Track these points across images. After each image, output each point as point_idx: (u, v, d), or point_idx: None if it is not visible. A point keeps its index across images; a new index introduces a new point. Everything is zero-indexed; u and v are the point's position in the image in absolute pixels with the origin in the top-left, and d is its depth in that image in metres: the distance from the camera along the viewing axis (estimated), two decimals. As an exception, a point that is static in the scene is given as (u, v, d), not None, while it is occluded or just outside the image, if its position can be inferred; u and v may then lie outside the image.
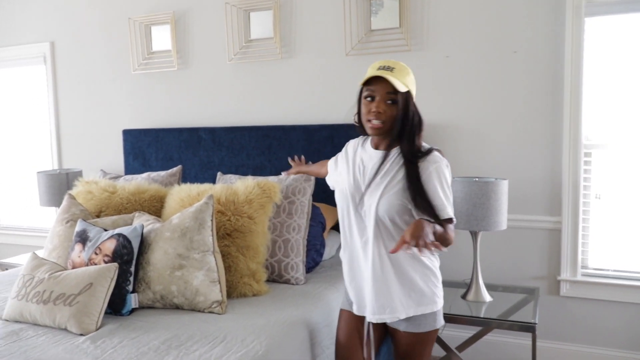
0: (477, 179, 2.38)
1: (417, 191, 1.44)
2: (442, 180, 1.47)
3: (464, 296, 2.44)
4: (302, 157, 2.38)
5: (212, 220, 2.06)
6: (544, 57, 2.49)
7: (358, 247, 1.60)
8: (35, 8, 3.63)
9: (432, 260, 1.60)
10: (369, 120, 1.51)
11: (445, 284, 2.60)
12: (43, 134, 3.79)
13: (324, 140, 2.82)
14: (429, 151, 1.50)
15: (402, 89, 1.49)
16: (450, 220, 1.47)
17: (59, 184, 3.24)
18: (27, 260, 2.07)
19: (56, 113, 3.68)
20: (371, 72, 1.51)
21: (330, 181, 1.77)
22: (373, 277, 1.56)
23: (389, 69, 1.49)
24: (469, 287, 2.45)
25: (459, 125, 2.70)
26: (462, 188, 2.28)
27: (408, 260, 1.55)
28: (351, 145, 1.69)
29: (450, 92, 2.69)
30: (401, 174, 1.49)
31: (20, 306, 1.92)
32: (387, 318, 1.59)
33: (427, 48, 2.69)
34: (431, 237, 1.31)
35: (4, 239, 4.06)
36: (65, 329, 1.85)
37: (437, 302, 1.60)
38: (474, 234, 2.39)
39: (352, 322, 1.69)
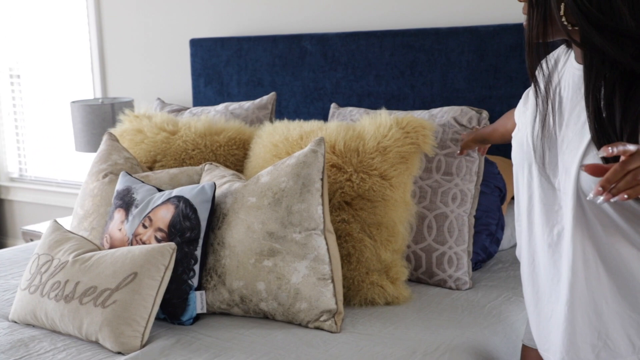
0: None
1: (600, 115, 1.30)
2: None
3: None
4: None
5: (322, 179, 2.00)
6: None
7: (542, 245, 1.50)
8: None
9: None
10: None
11: None
12: (81, 48, 3.93)
13: (507, 53, 2.66)
14: None
15: None
16: None
17: (102, 120, 3.33)
18: (45, 233, 2.10)
19: (98, 19, 3.78)
20: None
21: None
22: (570, 298, 1.43)
23: None
24: None
25: None
26: None
27: None
28: (546, 61, 1.52)
29: None
30: None
31: (33, 302, 1.93)
32: None
33: None
34: None
35: (30, 196, 4.30)
36: (97, 342, 1.84)
37: None
38: None
39: None
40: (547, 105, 1.45)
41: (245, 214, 1.98)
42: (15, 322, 1.98)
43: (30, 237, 3.37)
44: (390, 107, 2.67)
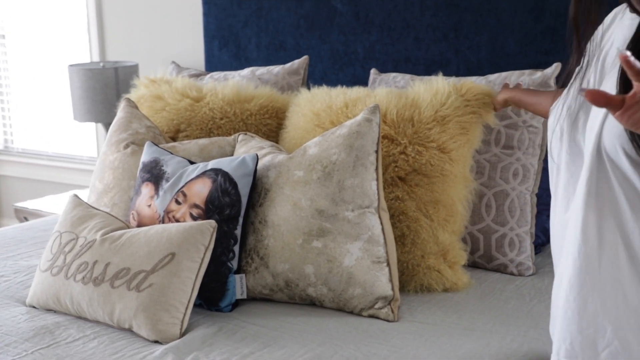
0: None
1: None
2: None
3: None
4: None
5: (377, 152, 2.00)
6: None
7: (559, 213, 1.45)
8: None
9: None
10: None
11: None
12: (77, 6, 3.87)
13: (567, 13, 2.46)
14: None
15: None
16: None
17: (104, 86, 3.28)
18: (65, 209, 2.09)
19: None
20: None
21: None
22: (575, 280, 1.35)
23: None
24: None
25: None
26: None
27: None
28: (605, 21, 1.51)
29: None
30: None
31: (57, 285, 1.93)
32: None
33: None
34: None
35: (21, 170, 4.26)
36: (130, 330, 1.84)
37: None
38: None
39: None
40: (593, 59, 1.43)
41: (291, 189, 1.97)
42: (34, 307, 1.97)
43: (24, 214, 3.34)
44: (431, 74, 2.64)
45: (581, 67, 1.45)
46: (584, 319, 1.36)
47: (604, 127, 1.29)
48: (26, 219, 3.30)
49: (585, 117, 1.36)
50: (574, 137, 1.39)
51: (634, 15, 1.38)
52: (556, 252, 1.47)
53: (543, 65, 2.58)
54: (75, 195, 2.10)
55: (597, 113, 1.32)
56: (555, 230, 1.44)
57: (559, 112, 1.46)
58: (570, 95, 1.45)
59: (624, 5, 1.47)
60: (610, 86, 1.31)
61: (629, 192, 1.32)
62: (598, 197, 1.34)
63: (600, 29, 1.55)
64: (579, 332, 1.37)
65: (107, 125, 3.28)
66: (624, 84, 1.24)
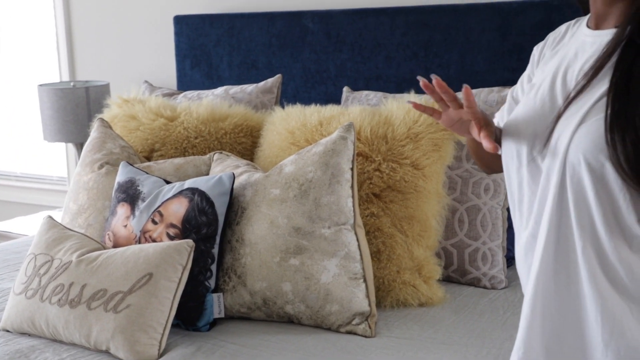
0: None
1: (626, 93, 1.23)
2: None
3: None
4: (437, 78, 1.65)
5: (352, 169, 1.99)
6: None
7: (524, 232, 1.42)
8: None
9: None
10: None
11: None
12: (46, 27, 3.83)
13: (532, 32, 2.59)
14: None
15: None
16: None
17: (75, 106, 3.23)
18: (40, 231, 2.06)
19: None
20: None
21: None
22: (534, 295, 1.33)
23: None
24: None
25: None
26: None
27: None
28: (552, 36, 1.54)
29: None
30: None
31: (31, 308, 1.90)
32: None
33: None
34: None
35: None
36: (107, 352, 1.81)
37: None
38: None
39: None
40: (550, 76, 1.41)
41: (267, 207, 1.96)
42: (8, 330, 1.94)
43: (-7, 237, 3.27)
44: (401, 92, 2.65)
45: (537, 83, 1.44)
46: (542, 331, 1.35)
47: (572, 140, 1.27)
48: (-5, 241, 3.24)
49: (543, 135, 1.34)
50: (532, 155, 1.37)
51: (591, 32, 1.37)
52: (520, 268, 1.46)
53: (511, 82, 2.59)
54: (50, 217, 2.07)
55: (565, 130, 1.29)
56: (519, 247, 1.43)
57: (513, 129, 1.42)
58: (538, 107, 1.41)
59: (575, 20, 1.48)
60: (596, 97, 1.28)
61: (605, 207, 1.28)
62: (563, 216, 1.31)
63: (536, 49, 1.56)
64: (531, 343, 1.36)
65: (77, 145, 3.25)
66: (617, 94, 1.24)
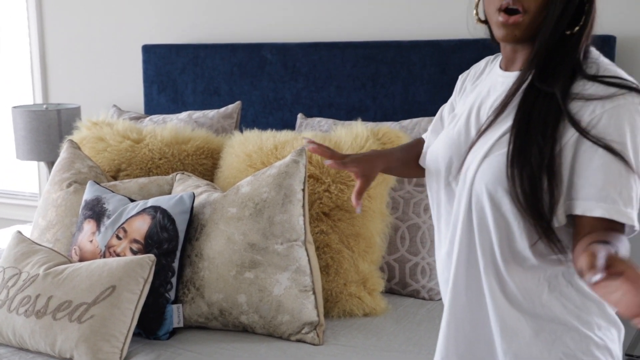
0: None
1: (527, 135, 1.22)
2: (628, 143, 1.18)
3: None
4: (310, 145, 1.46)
5: (303, 190, 1.99)
6: None
7: (443, 249, 1.44)
8: None
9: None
10: (499, 11, 1.28)
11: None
12: (20, 51, 3.77)
13: (468, 66, 2.46)
14: (615, 83, 1.21)
15: None
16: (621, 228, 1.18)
17: (47, 127, 3.18)
18: (8, 245, 2.02)
19: (39, 20, 3.61)
20: None
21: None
22: (450, 307, 1.36)
23: None
24: None
25: None
26: None
27: (535, 287, 1.28)
28: (474, 69, 1.55)
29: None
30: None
31: None
32: None
33: None
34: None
35: None
36: None
37: None
38: None
39: None
40: (466, 109, 1.41)
41: (225, 224, 1.94)
42: None
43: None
44: (351, 119, 2.64)
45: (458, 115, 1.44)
46: (456, 341, 1.37)
47: (478, 172, 1.28)
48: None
49: (457, 162, 1.35)
50: (448, 180, 1.38)
51: (502, 73, 1.36)
52: (440, 282, 1.47)
53: (450, 111, 2.64)
54: (19, 232, 2.03)
55: (473, 161, 1.30)
56: (439, 261, 1.44)
57: (434, 158, 1.43)
58: (454, 138, 1.40)
59: (494, 56, 1.48)
60: (500, 132, 1.28)
61: (486, 230, 1.29)
62: (471, 241, 1.32)
63: (460, 78, 1.56)
64: (447, 351, 1.38)
65: (49, 164, 3.18)
66: (519, 132, 1.23)
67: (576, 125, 1.18)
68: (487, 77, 1.44)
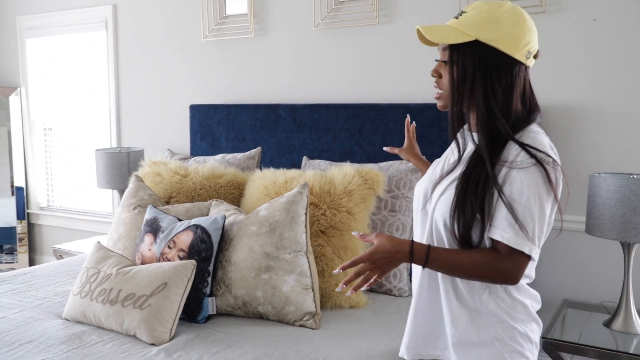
0: (634, 176, 2.03)
1: (465, 193, 1.21)
2: (525, 192, 1.16)
3: (607, 324, 2.10)
4: (413, 123, 1.78)
5: (306, 214, 1.98)
6: None
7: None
8: (97, -33, 3.55)
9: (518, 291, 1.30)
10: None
11: (577, 305, 2.36)
12: (102, 107, 3.84)
13: (430, 123, 2.64)
14: (534, 155, 1.17)
15: (445, 39, 1.19)
16: (514, 252, 1.19)
17: (119, 164, 3.23)
18: (91, 251, 2.03)
19: (117, 84, 3.69)
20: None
21: None
22: (416, 302, 1.39)
23: (460, 14, 1.23)
24: (615, 313, 2.10)
25: (603, 109, 2.35)
26: (613, 187, 1.95)
27: (478, 289, 1.29)
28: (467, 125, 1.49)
29: (589, 66, 2.34)
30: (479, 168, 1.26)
31: (84, 305, 1.87)
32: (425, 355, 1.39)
33: (569, 7, 2.35)
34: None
35: (58, 222, 4.12)
36: (134, 336, 1.79)
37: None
38: (627, 246, 2.05)
39: None
40: (448, 155, 1.39)
41: (247, 239, 1.94)
42: (67, 319, 1.91)
43: (60, 254, 3.22)
44: (342, 161, 2.67)
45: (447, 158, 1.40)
46: (418, 326, 1.38)
47: (437, 204, 1.28)
48: (62, 257, 3.18)
49: (429, 194, 1.34)
50: (425, 205, 1.38)
51: (468, 132, 1.30)
52: (413, 283, 1.46)
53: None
54: (99, 242, 2.05)
55: (436, 196, 1.30)
56: (414, 269, 1.44)
57: (422, 184, 1.43)
58: (431, 175, 1.40)
59: None
60: (454, 177, 1.27)
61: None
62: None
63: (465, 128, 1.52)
64: (413, 333, 1.39)
65: (120, 192, 3.22)
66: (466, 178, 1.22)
67: (497, 186, 1.18)
68: (464, 133, 1.39)
